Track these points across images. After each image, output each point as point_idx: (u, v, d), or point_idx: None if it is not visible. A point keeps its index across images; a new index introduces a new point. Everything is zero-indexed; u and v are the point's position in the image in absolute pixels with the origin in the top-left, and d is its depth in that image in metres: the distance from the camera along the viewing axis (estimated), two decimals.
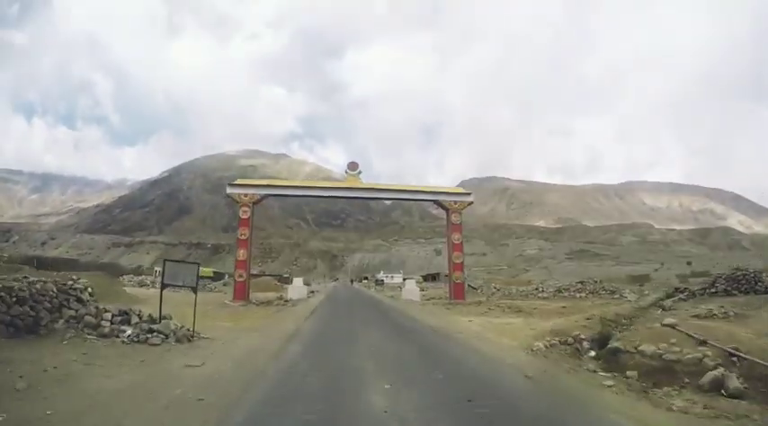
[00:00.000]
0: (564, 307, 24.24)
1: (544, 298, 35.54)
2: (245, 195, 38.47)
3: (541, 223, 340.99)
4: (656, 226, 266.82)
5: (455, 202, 40.63)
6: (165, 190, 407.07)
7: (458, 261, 37.86)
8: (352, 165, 39.83)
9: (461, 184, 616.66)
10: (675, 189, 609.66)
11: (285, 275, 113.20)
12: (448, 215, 39.92)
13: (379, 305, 34.50)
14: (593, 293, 36.65)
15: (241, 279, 34.60)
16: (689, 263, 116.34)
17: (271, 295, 42.45)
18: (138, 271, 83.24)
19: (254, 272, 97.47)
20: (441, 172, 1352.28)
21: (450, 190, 50.25)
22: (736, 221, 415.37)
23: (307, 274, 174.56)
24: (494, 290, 48.10)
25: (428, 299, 39.07)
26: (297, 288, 42.82)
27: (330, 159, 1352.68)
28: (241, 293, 33.22)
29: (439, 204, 41.78)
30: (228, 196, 40.87)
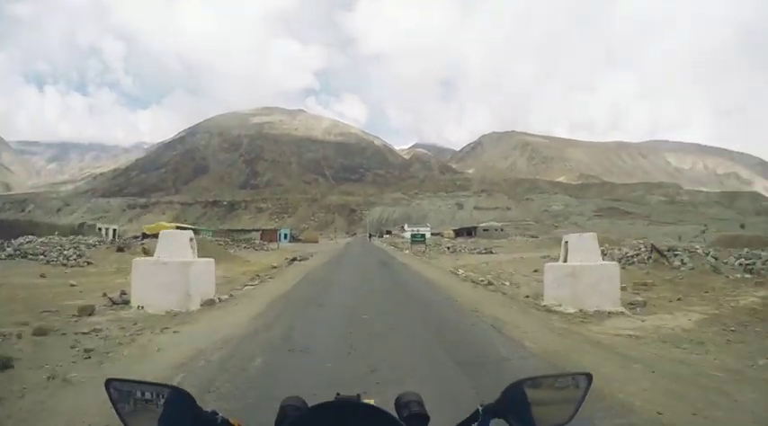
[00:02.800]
0: None
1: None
2: None
3: (562, 179, 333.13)
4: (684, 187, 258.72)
5: None
6: (180, 150, 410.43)
7: None
8: None
9: (481, 138, 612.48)
10: (700, 150, 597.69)
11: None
12: None
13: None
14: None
15: None
16: (742, 226, 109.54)
17: None
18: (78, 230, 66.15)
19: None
20: (460, 125, 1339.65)
21: None
22: (762, 187, 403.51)
23: (324, 229, 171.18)
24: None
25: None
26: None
27: (347, 113, 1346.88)
28: None
29: None
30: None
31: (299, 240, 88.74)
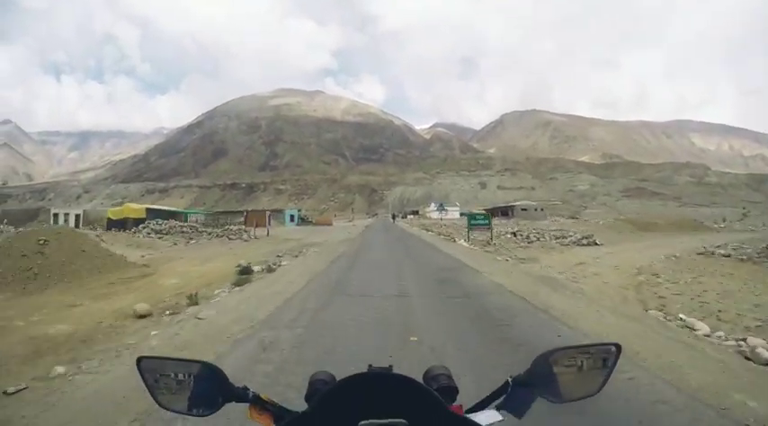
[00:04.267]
0: None
1: None
2: None
3: (585, 158, 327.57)
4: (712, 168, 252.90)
5: None
6: (199, 134, 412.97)
7: None
8: None
9: (502, 117, 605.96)
10: (726, 131, 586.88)
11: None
12: None
13: None
14: None
15: None
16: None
17: None
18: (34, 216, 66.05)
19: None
20: (480, 104, 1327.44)
21: None
22: None
23: (344, 210, 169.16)
24: None
25: None
26: None
27: (365, 94, 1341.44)
28: None
29: None
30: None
31: (309, 222, 79.10)
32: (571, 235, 33.54)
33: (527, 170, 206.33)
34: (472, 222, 32.93)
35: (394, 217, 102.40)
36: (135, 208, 49.97)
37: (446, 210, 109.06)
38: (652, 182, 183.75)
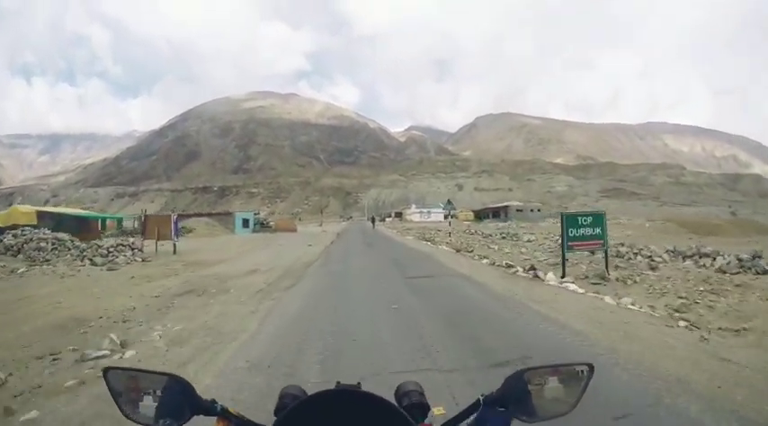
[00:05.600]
0: None
1: None
2: None
3: (560, 160, 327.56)
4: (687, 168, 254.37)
5: None
6: (171, 137, 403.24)
7: None
8: None
9: (476, 120, 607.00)
10: (698, 132, 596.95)
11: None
12: None
13: None
14: None
15: None
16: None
17: None
18: None
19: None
20: (455, 107, 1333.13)
21: None
22: (760, 170, 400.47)
23: (318, 213, 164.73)
24: None
25: None
26: None
27: (340, 96, 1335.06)
28: None
29: None
30: None
31: (268, 227, 67.12)
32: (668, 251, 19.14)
33: (504, 171, 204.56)
34: (573, 232, 14.32)
35: (374, 220, 77.09)
36: (24, 212, 38.84)
37: (429, 212, 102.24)
38: (629, 183, 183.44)
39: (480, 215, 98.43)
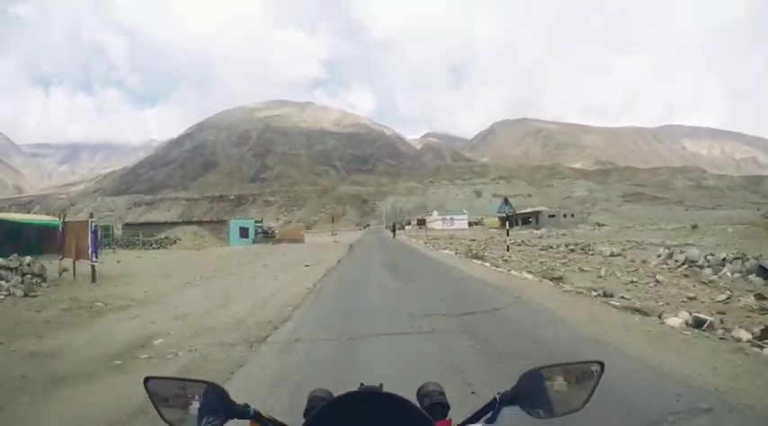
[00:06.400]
0: None
1: None
2: None
3: (578, 165, 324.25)
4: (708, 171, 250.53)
5: None
6: (188, 146, 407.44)
7: None
8: None
9: (493, 126, 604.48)
10: (716, 134, 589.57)
11: None
12: None
13: None
14: None
15: None
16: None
17: None
18: None
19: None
20: (471, 113, 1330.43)
21: None
22: None
23: (335, 221, 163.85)
24: None
25: None
26: None
27: (356, 104, 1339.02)
28: None
29: None
30: None
31: (271, 237, 59.60)
32: None
33: (522, 177, 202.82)
34: None
35: (394, 228, 67.08)
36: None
37: (451, 219, 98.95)
38: (650, 187, 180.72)
39: (507, 221, 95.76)
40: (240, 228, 55.31)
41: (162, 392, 1.23)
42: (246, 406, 1.24)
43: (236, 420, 1.22)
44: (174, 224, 52.88)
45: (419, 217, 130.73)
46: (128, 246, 42.69)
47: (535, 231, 59.63)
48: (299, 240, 54.83)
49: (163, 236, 45.56)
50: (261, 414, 1.25)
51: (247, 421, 1.25)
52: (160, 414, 1.21)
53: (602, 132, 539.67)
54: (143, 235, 48.09)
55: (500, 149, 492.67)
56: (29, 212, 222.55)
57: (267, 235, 60.02)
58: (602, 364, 1.26)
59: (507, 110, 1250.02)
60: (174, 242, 42.73)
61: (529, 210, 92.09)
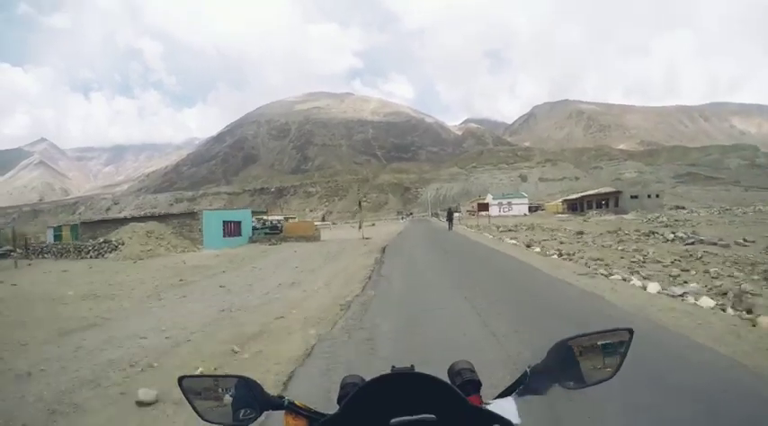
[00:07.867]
0: None
1: None
2: None
3: (623, 146, 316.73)
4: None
5: None
6: (229, 142, 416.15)
7: None
8: None
9: (534, 109, 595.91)
10: (765, 111, 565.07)
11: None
12: None
13: None
14: None
15: None
16: None
17: None
18: None
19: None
20: (511, 97, 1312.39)
21: None
22: None
23: (377, 210, 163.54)
24: None
25: None
26: None
27: (395, 92, 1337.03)
28: None
29: None
30: None
31: (275, 233, 42.80)
32: None
33: (568, 160, 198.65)
34: None
35: (450, 215, 49.32)
36: None
37: (509, 204, 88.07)
38: (702, 167, 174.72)
39: (574, 205, 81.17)
40: (225, 223, 39.34)
41: (196, 389, 1.25)
42: (281, 397, 1.26)
43: (270, 411, 1.24)
44: (120, 220, 39.08)
45: (469, 201, 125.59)
46: (62, 255, 31.95)
47: (625, 217, 47.79)
48: (313, 238, 40.29)
49: (101, 241, 31.56)
50: (295, 404, 1.26)
51: (282, 412, 1.26)
52: (196, 411, 1.22)
53: (646, 112, 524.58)
54: (80, 238, 37.67)
55: (542, 132, 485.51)
56: (74, 212, 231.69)
57: (272, 231, 44.37)
58: (631, 331, 1.27)
59: (547, 94, 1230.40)
60: (116, 247, 29.55)
61: (605, 191, 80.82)
